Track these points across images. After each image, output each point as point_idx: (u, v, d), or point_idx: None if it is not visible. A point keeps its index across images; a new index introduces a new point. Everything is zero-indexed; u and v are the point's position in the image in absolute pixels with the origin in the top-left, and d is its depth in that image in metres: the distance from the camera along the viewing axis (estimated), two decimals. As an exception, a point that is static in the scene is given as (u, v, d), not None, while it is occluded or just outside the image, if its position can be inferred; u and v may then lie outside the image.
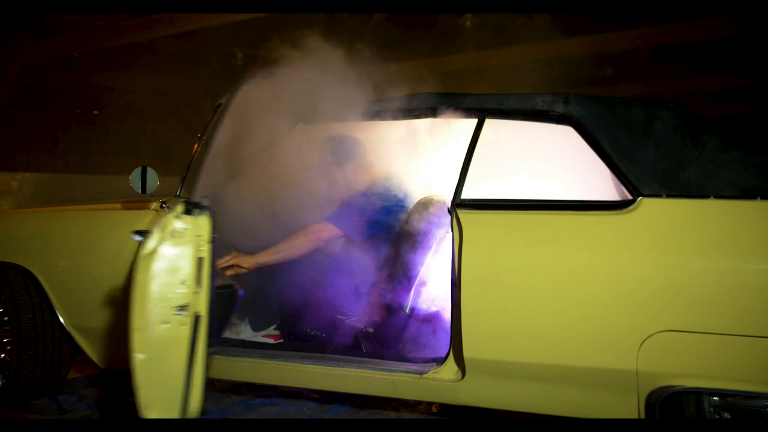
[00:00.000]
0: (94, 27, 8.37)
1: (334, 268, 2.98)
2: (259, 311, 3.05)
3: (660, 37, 8.07)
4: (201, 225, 2.25)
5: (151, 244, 2.19)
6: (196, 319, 2.20)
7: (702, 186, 2.19)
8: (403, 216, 2.90)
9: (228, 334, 2.98)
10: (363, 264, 2.91)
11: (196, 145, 2.81)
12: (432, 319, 2.85)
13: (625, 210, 2.21)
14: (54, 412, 3.10)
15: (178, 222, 2.22)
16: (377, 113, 2.71)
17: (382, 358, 2.62)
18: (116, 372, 3.09)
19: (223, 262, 2.78)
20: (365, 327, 2.82)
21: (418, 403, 3.12)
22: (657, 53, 8.57)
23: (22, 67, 9.31)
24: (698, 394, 2.14)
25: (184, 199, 2.27)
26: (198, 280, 2.22)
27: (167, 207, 2.48)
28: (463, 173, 2.44)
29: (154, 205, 2.79)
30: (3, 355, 3.13)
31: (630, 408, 2.18)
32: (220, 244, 2.92)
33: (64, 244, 3.03)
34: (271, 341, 2.98)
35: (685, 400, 2.18)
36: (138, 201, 2.97)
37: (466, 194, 2.41)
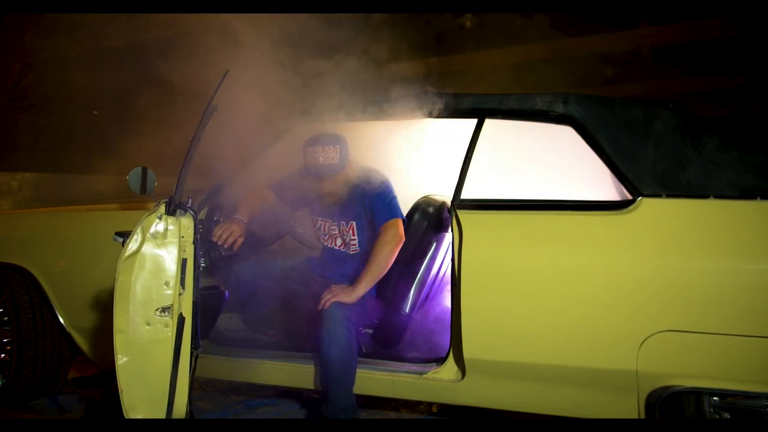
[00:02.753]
0: (94, 27, 8.35)
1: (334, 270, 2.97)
2: (257, 314, 3.02)
3: (660, 37, 8.07)
4: (184, 225, 2.21)
5: (132, 245, 2.17)
6: (181, 320, 2.17)
7: (702, 186, 2.19)
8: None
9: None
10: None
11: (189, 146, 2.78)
12: (432, 319, 2.85)
13: (625, 210, 2.21)
14: (54, 412, 3.10)
15: (161, 223, 2.20)
16: (377, 113, 2.70)
17: (381, 358, 2.63)
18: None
19: (323, 300, 2.57)
20: (365, 327, 2.82)
21: (418, 403, 3.11)
22: (657, 53, 8.56)
23: (22, 67, 9.29)
24: (698, 394, 2.14)
25: (165, 200, 2.23)
26: (182, 282, 2.19)
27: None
28: (463, 173, 2.44)
29: (153, 205, 2.77)
30: (3, 355, 3.13)
31: (630, 408, 2.18)
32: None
33: (63, 245, 3.03)
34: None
35: (685, 400, 2.18)
36: (136, 201, 2.96)
37: (466, 194, 2.42)
